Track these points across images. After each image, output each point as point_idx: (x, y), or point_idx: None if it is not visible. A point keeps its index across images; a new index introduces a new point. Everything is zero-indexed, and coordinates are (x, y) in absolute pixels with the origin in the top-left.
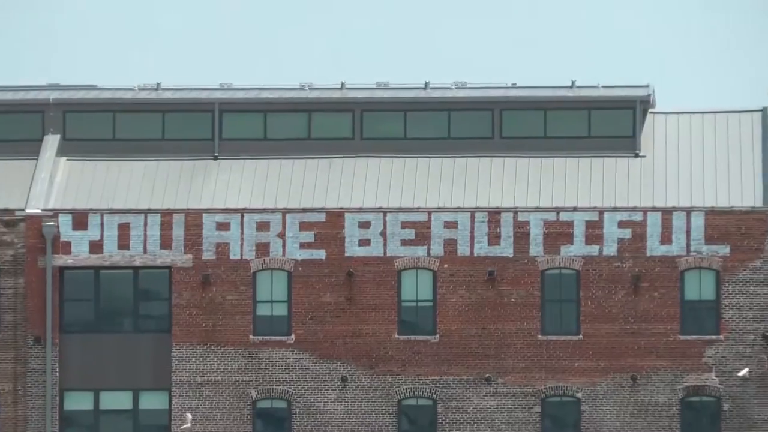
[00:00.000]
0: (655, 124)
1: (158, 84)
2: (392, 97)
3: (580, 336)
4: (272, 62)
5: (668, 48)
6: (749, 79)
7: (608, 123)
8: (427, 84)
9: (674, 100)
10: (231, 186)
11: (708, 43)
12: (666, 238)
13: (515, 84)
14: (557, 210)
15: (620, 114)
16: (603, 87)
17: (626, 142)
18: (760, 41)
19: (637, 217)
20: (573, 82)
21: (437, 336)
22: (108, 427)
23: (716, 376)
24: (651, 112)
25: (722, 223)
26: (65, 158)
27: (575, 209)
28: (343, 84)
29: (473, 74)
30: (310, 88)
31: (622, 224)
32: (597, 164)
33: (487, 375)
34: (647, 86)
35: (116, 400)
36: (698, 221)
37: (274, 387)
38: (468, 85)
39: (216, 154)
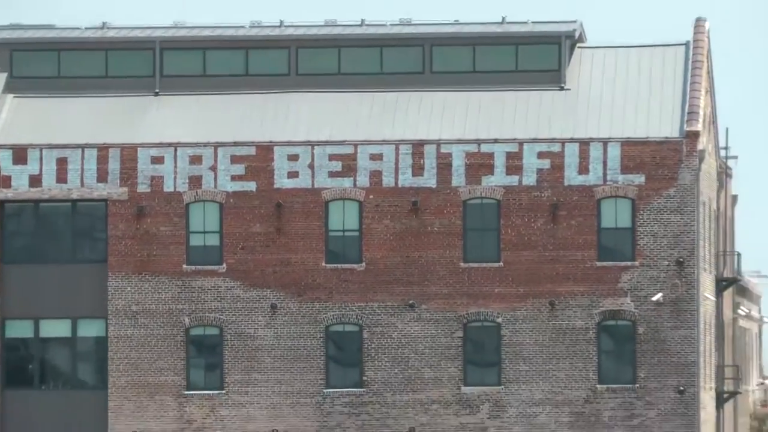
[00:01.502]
0: (582, 59)
1: (104, 23)
2: (327, 34)
3: (501, 263)
4: (217, 3)
5: None
6: (674, 14)
7: (535, 57)
8: (362, 21)
9: (606, 35)
10: (169, 121)
11: None
12: (583, 168)
13: (447, 20)
14: (478, 142)
15: (546, 49)
16: (532, 23)
17: (552, 76)
18: None
19: (556, 148)
20: (503, 18)
21: (363, 264)
22: (48, 353)
23: (631, 301)
24: (579, 47)
25: (638, 153)
26: (12, 95)
27: (496, 141)
28: (281, 22)
29: (409, 12)
30: (249, 26)
31: (541, 155)
32: (522, 97)
33: (411, 301)
34: (574, 22)
35: (55, 328)
36: (614, 151)
37: (207, 314)
38: (400, 22)
39: (157, 91)
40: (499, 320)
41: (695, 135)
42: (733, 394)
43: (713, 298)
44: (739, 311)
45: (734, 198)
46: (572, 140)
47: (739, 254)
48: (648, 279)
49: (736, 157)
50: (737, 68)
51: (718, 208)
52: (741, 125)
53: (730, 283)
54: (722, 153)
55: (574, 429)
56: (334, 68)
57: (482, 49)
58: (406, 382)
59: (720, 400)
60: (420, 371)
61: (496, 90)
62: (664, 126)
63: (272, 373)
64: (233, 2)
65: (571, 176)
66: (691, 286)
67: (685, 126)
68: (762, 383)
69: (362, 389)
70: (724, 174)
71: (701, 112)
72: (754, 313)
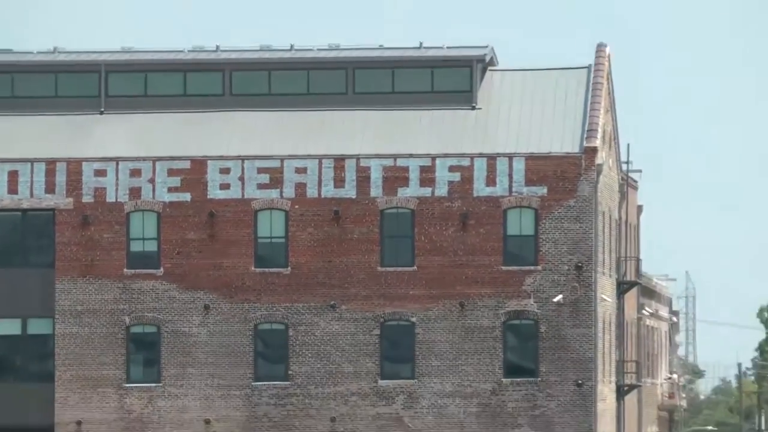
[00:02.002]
0: (492, 80)
1: (55, 48)
2: (259, 58)
3: (415, 267)
4: (157, 27)
5: (512, 12)
6: (578, 40)
7: (449, 79)
8: (291, 46)
9: (515, 59)
10: (112, 138)
11: (544, 7)
12: (491, 181)
13: (369, 46)
14: (395, 157)
15: (459, 71)
16: (447, 47)
17: (464, 97)
18: (588, 6)
19: (466, 162)
20: (420, 44)
21: (289, 268)
22: (0, 350)
23: (534, 302)
24: (490, 70)
25: (540, 167)
26: None
27: (411, 156)
28: (217, 47)
29: (336, 37)
30: (187, 51)
31: (452, 169)
32: (436, 116)
33: (332, 302)
34: (485, 47)
35: (7, 327)
36: (519, 165)
37: (145, 314)
38: (328, 47)
39: (102, 110)
40: (413, 319)
41: (593, 150)
42: (633, 387)
43: (610, 300)
44: (644, 312)
45: (639, 208)
46: (481, 155)
47: (639, 259)
48: (549, 282)
49: (639, 171)
50: (643, 89)
51: (620, 218)
52: (646, 142)
53: (631, 286)
54: (624, 167)
55: (481, 419)
56: (265, 89)
57: (400, 71)
58: (328, 375)
59: (621, 393)
60: (340, 366)
61: (412, 109)
62: (566, 142)
63: (205, 367)
64: (174, 28)
65: (480, 188)
66: (589, 289)
67: (584, 142)
68: (669, 377)
69: (288, 382)
70: (626, 186)
71: (600, 130)
72: (663, 314)
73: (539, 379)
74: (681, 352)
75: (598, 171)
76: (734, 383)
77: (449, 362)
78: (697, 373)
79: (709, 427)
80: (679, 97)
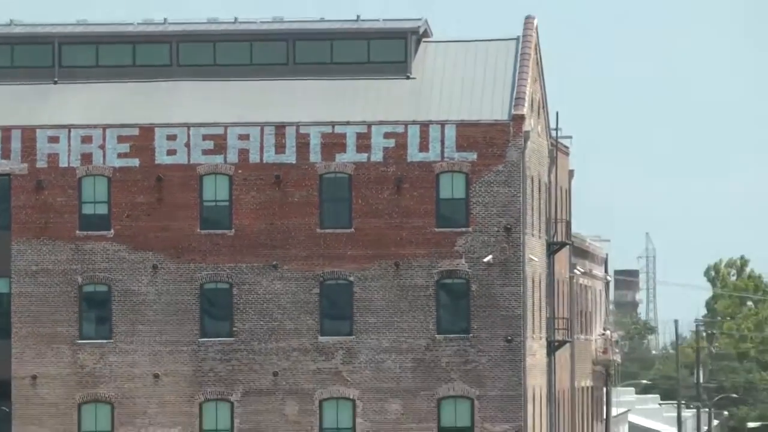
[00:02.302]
0: (426, 51)
1: (11, 21)
2: (205, 30)
3: (352, 229)
4: (110, 1)
5: None
6: (508, 13)
7: (384, 51)
8: (236, 19)
9: (449, 30)
10: (65, 106)
11: None
12: (424, 147)
13: (310, 18)
14: (333, 124)
15: (395, 43)
16: (383, 20)
17: (399, 67)
18: None
19: (400, 129)
20: (358, 16)
21: (233, 230)
22: None
23: (465, 262)
24: (424, 41)
25: (471, 134)
26: None
27: (348, 123)
28: (165, 20)
29: (279, 11)
30: (137, 24)
31: (387, 135)
32: (372, 85)
33: (274, 262)
34: (420, 19)
35: None
36: (451, 132)
37: (97, 274)
38: (272, 20)
39: (56, 80)
40: (351, 279)
41: (521, 118)
42: (564, 342)
43: (538, 260)
44: (576, 271)
45: (571, 172)
46: (414, 122)
47: (568, 221)
48: (480, 243)
49: (570, 137)
50: (575, 58)
51: (550, 182)
52: (580, 109)
53: (561, 247)
54: (554, 134)
55: (416, 373)
56: (210, 60)
57: (339, 43)
58: (270, 332)
59: (551, 348)
60: (282, 323)
61: (349, 79)
62: (495, 110)
63: (154, 324)
64: (126, 2)
65: (413, 154)
66: (517, 249)
67: (512, 110)
68: (603, 333)
69: (232, 338)
70: (555, 151)
71: (527, 98)
72: (598, 273)
73: (471, 335)
74: (642, 309)
75: (525, 137)
76: (687, 339)
77: (385, 319)
78: (650, 329)
79: (644, 381)
80: (609, 66)
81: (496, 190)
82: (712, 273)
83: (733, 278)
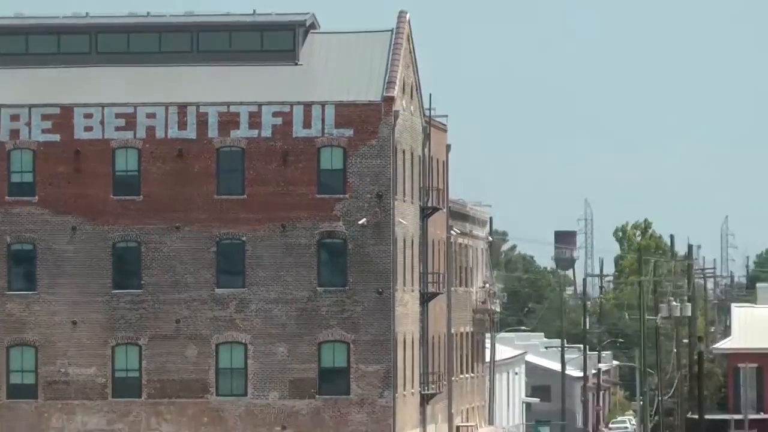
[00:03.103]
0: (314, 41)
1: None
2: (121, 23)
3: (245, 196)
4: None
5: None
6: (388, 7)
7: (276, 41)
8: (148, 12)
9: (334, 23)
10: None
11: None
12: (307, 124)
13: (213, 12)
14: (228, 104)
15: (285, 34)
16: (275, 14)
17: (288, 55)
18: None
19: (287, 109)
20: (254, 10)
21: (141, 197)
22: None
23: (343, 224)
24: (311, 33)
25: (348, 113)
26: None
27: (241, 104)
28: (87, 13)
29: (190, 5)
30: (62, 17)
31: (275, 114)
32: (265, 71)
33: (177, 224)
34: (307, 13)
35: None
36: (330, 111)
37: (23, 234)
38: (184, 14)
39: None
40: (244, 239)
41: (391, 99)
42: (436, 294)
43: (406, 222)
44: (452, 232)
45: (448, 146)
46: (299, 103)
47: (441, 189)
48: (355, 208)
49: (446, 116)
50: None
51: (424, 155)
52: (454, 91)
53: (434, 211)
54: (428, 113)
55: (300, 321)
56: (125, 48)
57: (236, 34)
58: (173, 285)
59: (424, 299)
60: (184, 277)
61: (245, 65)
62: (370, 93)
63: (72, 278)
64: None
65: (298, 130)
66: (387, 213)
67: (384, 93)
68: (484, 286)
69: (140, 290)
70: (429, 128)
71: (398, 83)
72: (479, 234)
73: (347, 288)
74: (579, 265)
75: (395, 116)
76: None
77: (273, 274)
78: (568, 282)
79: (523, 327)
80: (486, 51)
81: (370, 162)
82: (620, 234)
83: (638, 239)
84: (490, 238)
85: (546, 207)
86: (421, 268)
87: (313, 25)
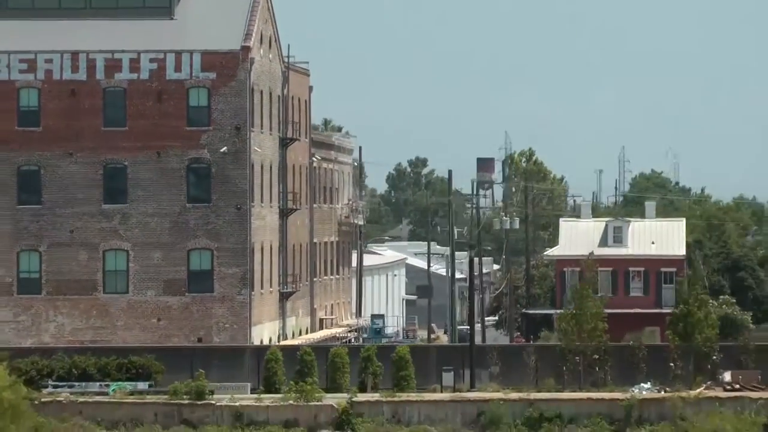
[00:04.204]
0: (192, 0)
1: None
2: None
3: (126, 128)
4: None
5: None
6: None
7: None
8: None
9: None
10: None
11: None
12: (178, 69)
13: None
14: (113, 52)
15: None
16: None
17: (165, 11)
18: None
19: (161, 56)
20: None
21: (41, 128)
22: None
23: (207, 152)
24: None
25: (212, 60)
26: None
27: (123, 51)
28: None
29: None
30: None
31: (152, 60)
32: (145, 24)
33: (70, 152)
34: None
35: None
36: (197, 58)
37: None
38: None
39: None
40: (126, 163)
41: (248, 48)
42: (293, 210)
43: (260, 150)
44: (314, 159)
45: (310, 88)
46: (171, 51)
47: (297, 122)
48: (218, 138)
49: (307, 62)
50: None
51: (284, 95)
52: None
53: (291, 141)
54: (288, 60)
55: (173, 231)
56: (30, 5)
57: None
58: (68, 201)
59: (284, 213)
60: (76, 195)
61: (129, 20)
62: (231, 43)
63: None
64: None
65: (171, 74)
66: (245, 143)
67: (242, 42)
68: (348, 203)
69: (40, 206)
70: (288, 72)
71: (255, 34)
72: (345, 160)
73: (211, 204)
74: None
75: (251, 62)
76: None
77: (150, 193)
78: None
79: (386, 237)
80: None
81: (230, 100)
82: (509, 161)
83: (524, 164)
84: (356, 163)
85: (472, 137)
86: (281, 188)
87: None
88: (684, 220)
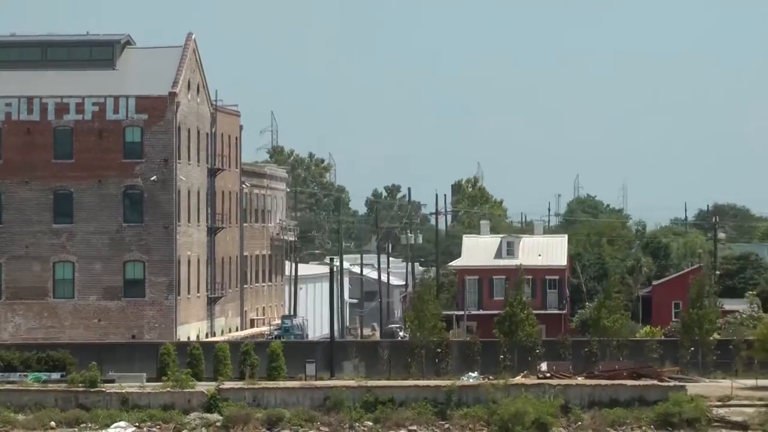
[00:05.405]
0: (130, 54)
1: None
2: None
3: (73, 160)
4: None
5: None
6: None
7: (101, 52)
8: (13, 33)
9: (149, 40)
10: None
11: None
12: (116, 110)
13: (56, 33)
14: (62, 97)
15: (107, 48)
16: (103, 34)
17: (109, 63)
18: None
19: (102, 100)
20: (87, 32)
21: (2, 160)
22: None
23: (141, 180)
24: (128, 47)
25: (145, 103)
26: None
27: (71, 96)
28: None
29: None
30: None
31: (94, 104)
32: (91, 74)
33: (26, 180)
34: (124, 34)
35: None
36: (132, 102)
37: None
38: (35, 34)
39: None
40: (72, 190)
41: (174, 94)
42: (221, 228)
43: (185, 179)
44: (244, 186)
45: (241, 127)
46: (111, 96)
47: (224, 156)
48: (149, 169)
49: (236, 105)
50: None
51: (213, 132)
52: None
53: (218, 171)
54: (215, 103)
55: (111, 246)
56: (5, 58)
57: (74, 48)
58: (25, 220)
59: (212, 231)
60: (31, 216)
61: (78, 70)
62: (160, 89)
63: None
64: None
65: (110, 115)
66: (171, 172)
67: (170, 89)
68: (280, 222)
69: (1, 224)
70: (216, 114)
71: (182, 82)
72: (277, 186)
73: (143, 224)
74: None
75: (177, 105)
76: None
77: (93, 214)
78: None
79: (316, 251)
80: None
81: (159, 137)
82: (457, 186)
83: (470, 190)
84: (288, 189)
85: (447, 165)
86: (209, 209)
87: (128, 42)
88: (566, 236)
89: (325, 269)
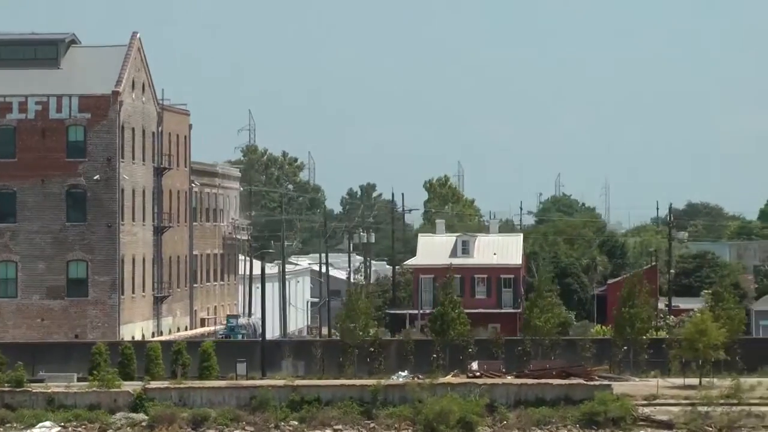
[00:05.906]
0: (75, 53)
1: None
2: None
3: (16, 159)
4: None
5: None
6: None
7: (46, 51)
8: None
9: (95, 39)
10: None
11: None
12: (60, 110)
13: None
14: (4, 96)
15: (52, 47)
16: (48, 33)
17: (53, 62)
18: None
19: (44, 99)
20: (33, 31)
21: None
22: None
23: (84, 179)
24: (73, 46)
25: (88, 102)
26: None
27: (14, 95)
28: None
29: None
30: None
31: (38, 103)
32: (37, 73)
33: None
34: (69, 33)
35: None
36: (75, 101)
37: None
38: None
39: None
40: (15, 189)
41: (117, 93)
42: (167, 227)
43: (128, 177)
44: (193, 185)
45: (190, 126)
46: (53, 95)
47: (171, 155)
48: (93, 168)
49: (185, 104)
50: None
51: (159, 131)
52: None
53: (164, 170)
54: (162, 102)
55: (54, 245)
56: None
57: (19, 47)
58: None
59: (158, 230)
60: None
61: (23, 69)
62: (104, 87)
63: None
64: None
65: (53, 114)
66: (115, 171)
67: (113, 88)
68: (233, 221)
69: None
70: (162, 113)
71: (126, 81)
72: (230, 185)
73: (87, 222)
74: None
75: (121, 104)
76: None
77: (36, 214)
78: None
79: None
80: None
81: (102, 136)
82: (428, 185)
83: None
84: (241, 188)
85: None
86: (155, 208)
87: (73, 41)
88: (521, 234)
89: (292, 268)
